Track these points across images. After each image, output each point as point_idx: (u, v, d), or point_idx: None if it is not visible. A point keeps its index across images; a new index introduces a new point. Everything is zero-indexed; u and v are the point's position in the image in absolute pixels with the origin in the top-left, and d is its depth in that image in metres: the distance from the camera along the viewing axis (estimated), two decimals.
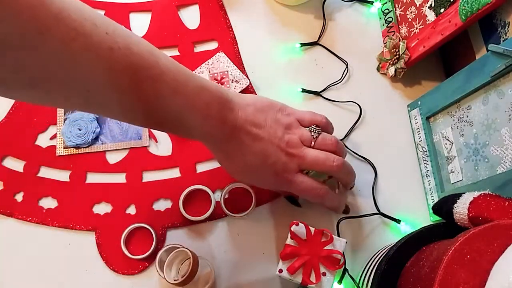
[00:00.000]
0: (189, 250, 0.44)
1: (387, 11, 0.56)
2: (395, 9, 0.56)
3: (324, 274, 0.41)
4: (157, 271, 0.44)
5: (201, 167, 0.50)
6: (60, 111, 0.51)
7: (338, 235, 0.46)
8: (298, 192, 0.42)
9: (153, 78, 0.33)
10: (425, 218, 0.49)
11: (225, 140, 0.38)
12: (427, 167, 0.50)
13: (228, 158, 0.40)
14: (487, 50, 0.41)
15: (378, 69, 0.56)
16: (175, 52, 0.54)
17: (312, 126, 0.42)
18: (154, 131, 0.51)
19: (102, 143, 0.50)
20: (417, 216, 0.49)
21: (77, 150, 0.50)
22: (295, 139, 0.40)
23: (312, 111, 0.44)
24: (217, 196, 0.48)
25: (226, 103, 0.38)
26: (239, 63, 0.54)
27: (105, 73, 0.30)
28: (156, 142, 0.51)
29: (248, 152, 0.39)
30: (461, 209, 0.35)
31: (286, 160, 0.39)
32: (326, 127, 0.43)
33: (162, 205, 0.48)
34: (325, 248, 0.42)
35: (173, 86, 0.34)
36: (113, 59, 0.30)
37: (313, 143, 0.41)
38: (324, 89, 0.54)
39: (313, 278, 0.41)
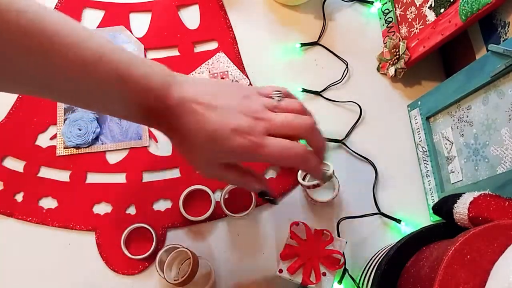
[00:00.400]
0: (189, 250, 0.44)
1: (387, 11, 0.56)
2: (395, 9, 0.56)
3: (324, 274, 0.41)
4: (157, 271, 0.44)
5: None
6: (60, 112, 0.51)
7: (338, 235, 0.46)
8: (272, 157, 0.35)
9: (73, 45, 0.30)
10: (425, 218, 0.49)
11: (175, 115, 0.34)
12: (427, 167, 0.50)
13: (184, 137, 0.35)
14: (487, 50, 0.41)
15: (378, 69, 0.56)
16: (175, 52, 0.54)
17: (274, 92, 0.37)
18: (154, 132, 0.51)
19: (102, 143, 0.50)
20: (417, 216, 0.49)
21: (77, 150, 0.50)
22: (257, 105, 0.35)
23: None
24: (217, 196, 0.48)
25: (168, 76, 0.35)
26: (239, 63, 0.54)
27: (9, 37, 0.28)
28: (156, 142, 0.51)
29: (203, 122, 0.34)
30: (461, 209, 0.35)
31: (251, 123, 0.34)
32: (289, 96, 0.39)
33: (162, 205, 0.48)
34: (325, 248, 0.42)
35: (100, 52, 0.31)
36: (14, 22, 0.28)
37: (276, 109, 0.36)
38: (324, 89, 0.54)
39: (313, 278, 0.41)
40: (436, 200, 0.46)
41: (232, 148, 0.34)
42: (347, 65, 0.55)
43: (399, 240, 0.38)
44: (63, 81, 0.32)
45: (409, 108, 0.53)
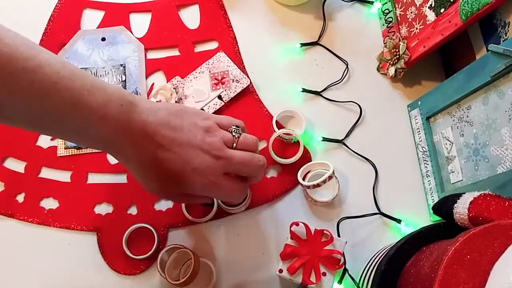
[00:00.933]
0: (190, 250, 0.44)
1: (387, 11, 0.57)
2: (395, 9, 0.56)
3: (324, 274, 0.41)
4: (159, 271, 0.44)
5: None
6: None
7: (338, 235, 0.46)
8: (226, 196, 0.40)
9: (29, 70, 0.30)
10: (425, 218, 0.49)
11: (136, 147, 0.34)
12: (427, 167, 0.50)
13: (144, 169, 0.36)
14: (487, 50, 0.41)
15: (378, 69, 0.56)
16: (175, 52, 0.55)
17: (232, 127, 0.39)
18: None
19: None
20: (417, 216, 0.49)
21: (78, 151, 0.50)
22: (217, 141, 0.37)
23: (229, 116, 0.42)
24: None
25: (129, 105, 0.34)
26: (239, 63, 0.54)
27: None
28: None
29: (166, 159, 0.35)
30: (461, 209, 0.35)
31: (211, 163, 0.36)
32: (244, 130, 0.41)
33: (163, 205, 0.48)
34: (325, 248, 0.42)
35: (55, 79, 0.31)
36: None
37: (235, 144, 0.39)
38: (324, 89, 0.54)
39: (313, 278, 0.41)
40: (436, 200, 0.46)
41: (191, 187, 0.36)
42: (347, 65, 0.55)
43: (399, 240, 0.38)
44: (18, 108, 0.31)
45: (409, 108, 0.54)
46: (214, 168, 0.36)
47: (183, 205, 0.47)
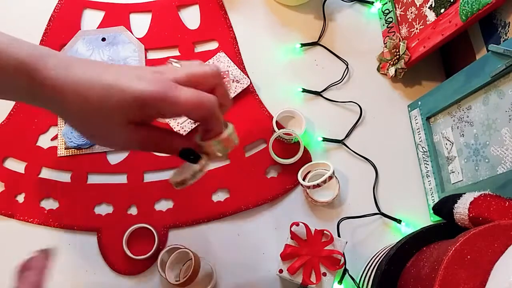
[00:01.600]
0: (190, 251, 0.44)
1: (387, 11, 0.57)
2: (396, 10, 0.56)
3: (324, 274, 0.41)
4: (159, 271, 0.44)
5: None
6: None
7: (338, 235, 0.46)
8: (183, 106, 0.31)
9: None
10: (425, 218, 0.49)
11: (63, 78, 0.30)
12: (427, 167, 0.50)
13: (81, 105, 0.30)
14: (487, 51, 0.41)
15: (378, 69, 0.56)
16: (175, 52, 0.55)
17: (170, 59, 0.35)
18: None
19: None
20: (417, 216, 0.49)
21: (78, 151, 0.50)
22: (157, 67, 0.33)
23: None
24: (219, 196, 0.48)
25: (44, 48, 0.31)
26: (239, 63, 0.54)
27: None
28: None
29: (99, 75, 0.30)
30: (461, 209, 0.35)
31: (155, 73, 0.31)
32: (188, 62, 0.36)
33: (163, 205, 0.48)
34: (325, 248, 0.42)
35: None
36: None
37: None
38: (325, 89, 0.54)
39: (313, 278, 0.41)
40: (436, 200, 0.46)
41: (138, 94, 0.29)
42: (347, 65, 0.55)
43: (400, 240, 0.38)
44: None
45: (409, 108, 0.54)
46: (161, 75, 0.31)
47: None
